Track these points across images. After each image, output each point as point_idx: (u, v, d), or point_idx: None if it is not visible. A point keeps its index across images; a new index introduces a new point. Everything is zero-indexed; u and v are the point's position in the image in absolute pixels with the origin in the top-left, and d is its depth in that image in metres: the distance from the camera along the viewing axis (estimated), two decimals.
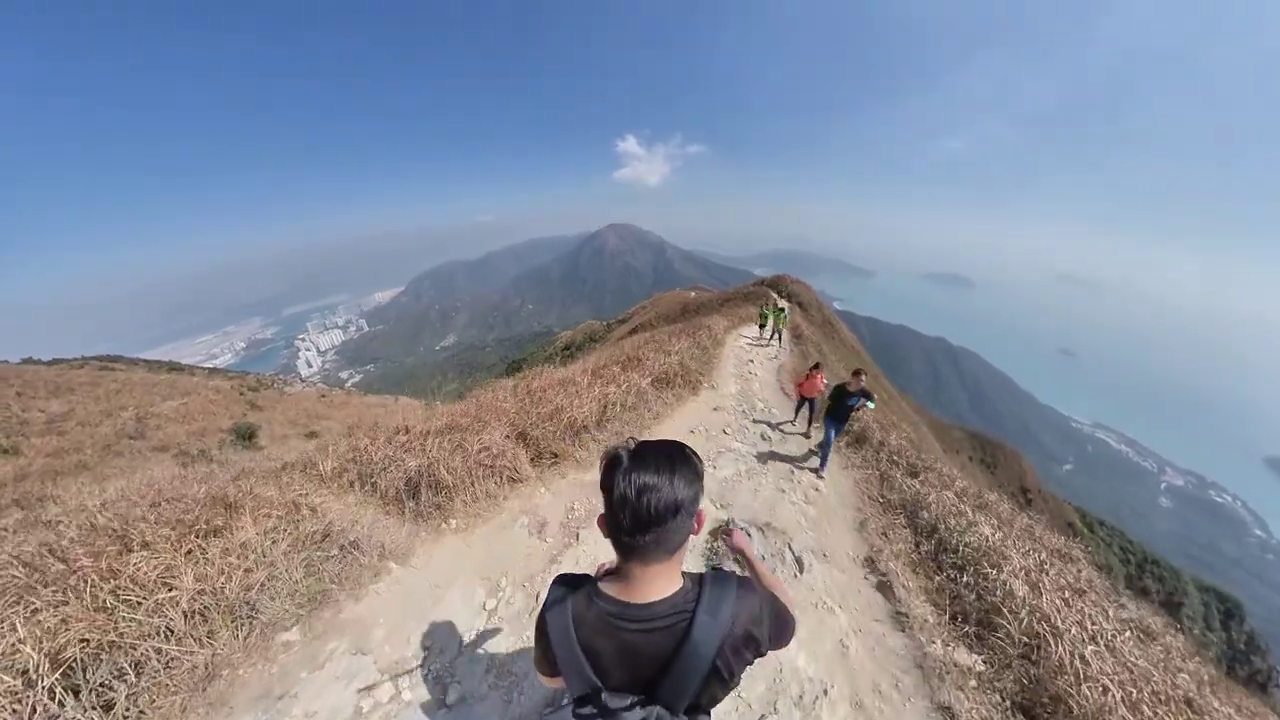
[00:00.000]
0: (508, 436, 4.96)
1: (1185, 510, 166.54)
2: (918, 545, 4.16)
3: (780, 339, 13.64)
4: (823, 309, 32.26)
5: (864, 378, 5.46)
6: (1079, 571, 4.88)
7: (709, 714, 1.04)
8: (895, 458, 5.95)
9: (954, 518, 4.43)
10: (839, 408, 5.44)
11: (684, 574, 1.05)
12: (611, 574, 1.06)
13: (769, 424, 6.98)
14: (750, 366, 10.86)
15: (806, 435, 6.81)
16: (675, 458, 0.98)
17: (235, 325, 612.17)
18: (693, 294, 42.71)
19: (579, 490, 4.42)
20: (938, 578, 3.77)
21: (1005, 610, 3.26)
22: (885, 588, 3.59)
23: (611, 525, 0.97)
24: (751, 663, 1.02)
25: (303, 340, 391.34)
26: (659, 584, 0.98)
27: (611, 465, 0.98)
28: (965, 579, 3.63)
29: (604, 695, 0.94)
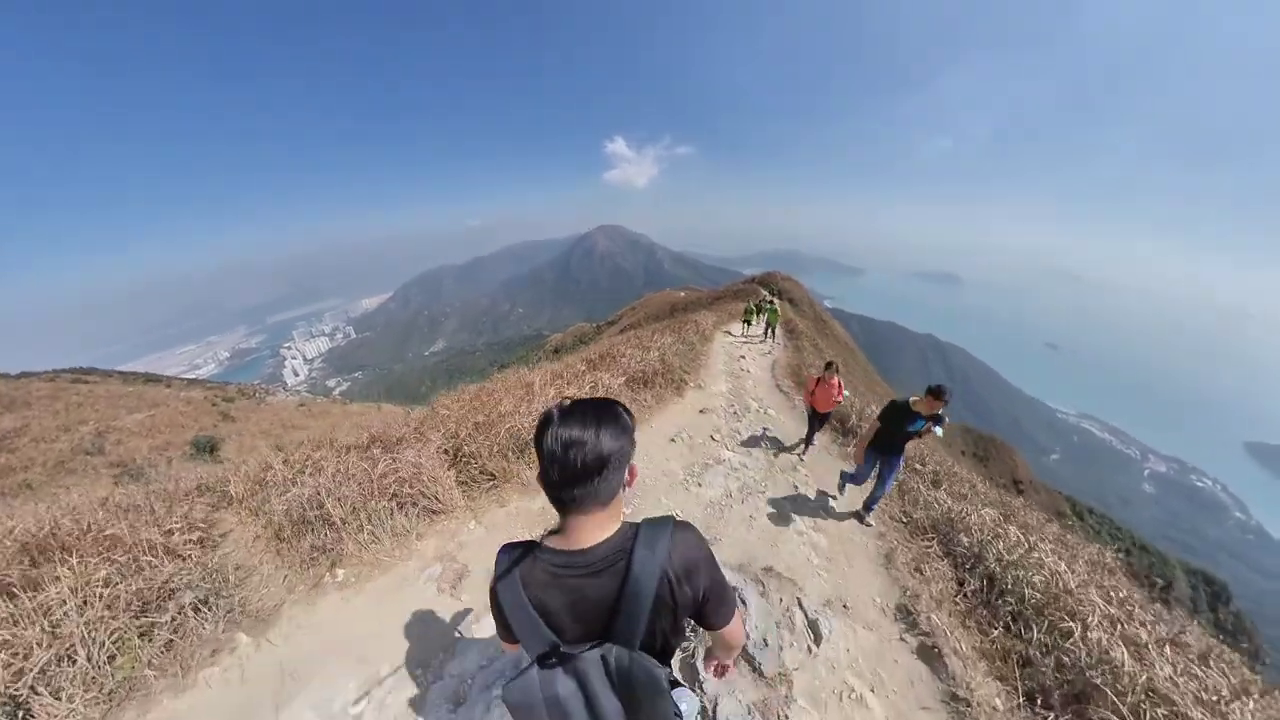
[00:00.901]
0: (443, 450, 3.94)
1: (1168, 496, 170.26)
2: (962, 584, 3.19)
3: (772, 334, 12.85)
4: (814, 306, 31.59)
5: (946, 400, 3.44)
6: (1122, 590, 3.98)
7: (668, 664, 1.08)
8: (916, 465, 4.99)
9: (1000, 541, 3.47)
10: (896, 436, 3.66)
11: (624, 522, 1.06)
12: (552, 532, 1.06)
13: (766, 431, 5.89)
14: (742, 363, 9.91)
15: (807, 443, 5.52)
16: (603, 413, 0.99)
17: (219, 335, 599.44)
18: (682, 294, 41.86)
19: (522, 522, 3.39)
20: (995, 632, 2.81)
21: (1104, 687, 2.30)
22: (930, 654, 2.61)
23: (545, 480, 0.98)
24: (697, 601, 1.03)
25: (289, 349, 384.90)
26: (596, 531, 1.00)
27: (543, 424, 0.98)
28: (1036, 636, 2.68)
29: (562, 648, 0.97)
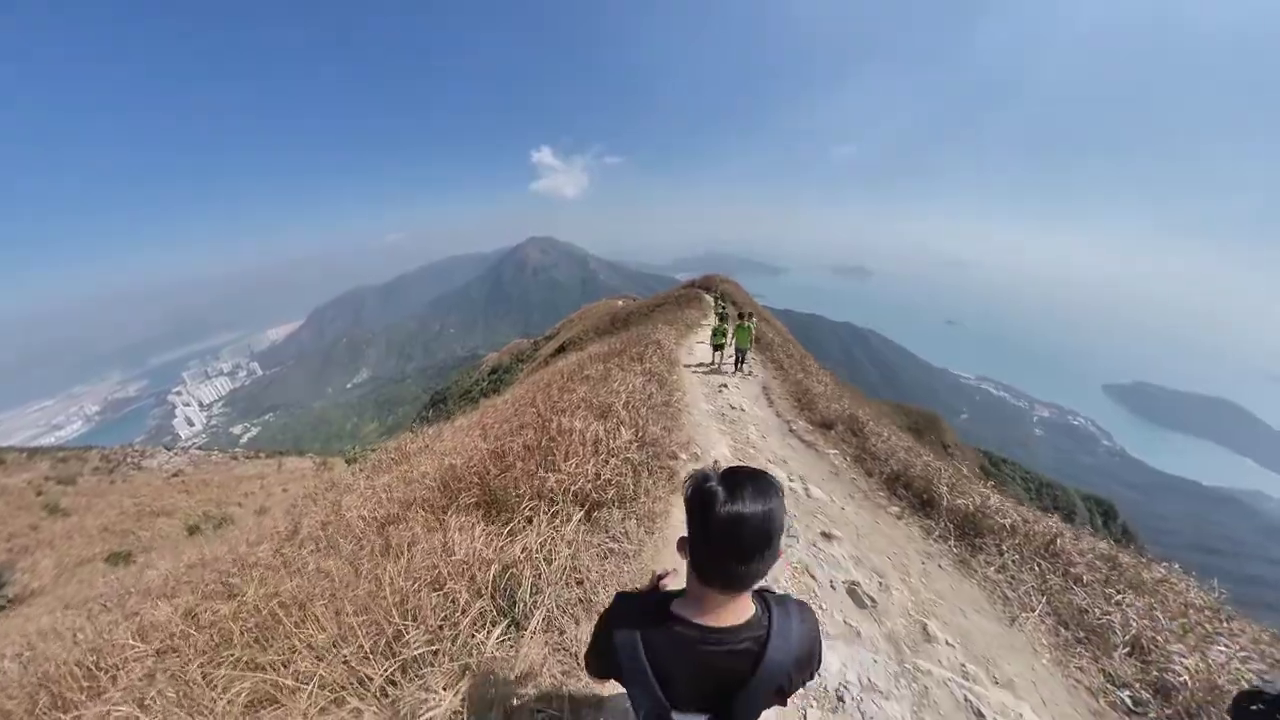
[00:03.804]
0: None
1: (1054, 436, 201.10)
2: None
3: (744, 359, 10.04)
4: (757, 307, 31.03)
5: None
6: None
7: None
8: (1067, 569, 3.13)
9: None
10: None
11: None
12: (681, 597, 1.05)
13: (831, 535, 3.50)
14: (725, 395, 7.92)
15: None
16: (763, 484, 0.95)
17: (85, 384, 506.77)
18: (620, 303, 39.90)
19: None
20: None
21: None
22: None
23: (706, 556, 0.96)
24: (804, 682, 1.06)
25: (179, 394, 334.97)
26: (738, 611, 1.00)
27: (706, 497, 0.94)
28: None
29: (674, 715, 0.98)
